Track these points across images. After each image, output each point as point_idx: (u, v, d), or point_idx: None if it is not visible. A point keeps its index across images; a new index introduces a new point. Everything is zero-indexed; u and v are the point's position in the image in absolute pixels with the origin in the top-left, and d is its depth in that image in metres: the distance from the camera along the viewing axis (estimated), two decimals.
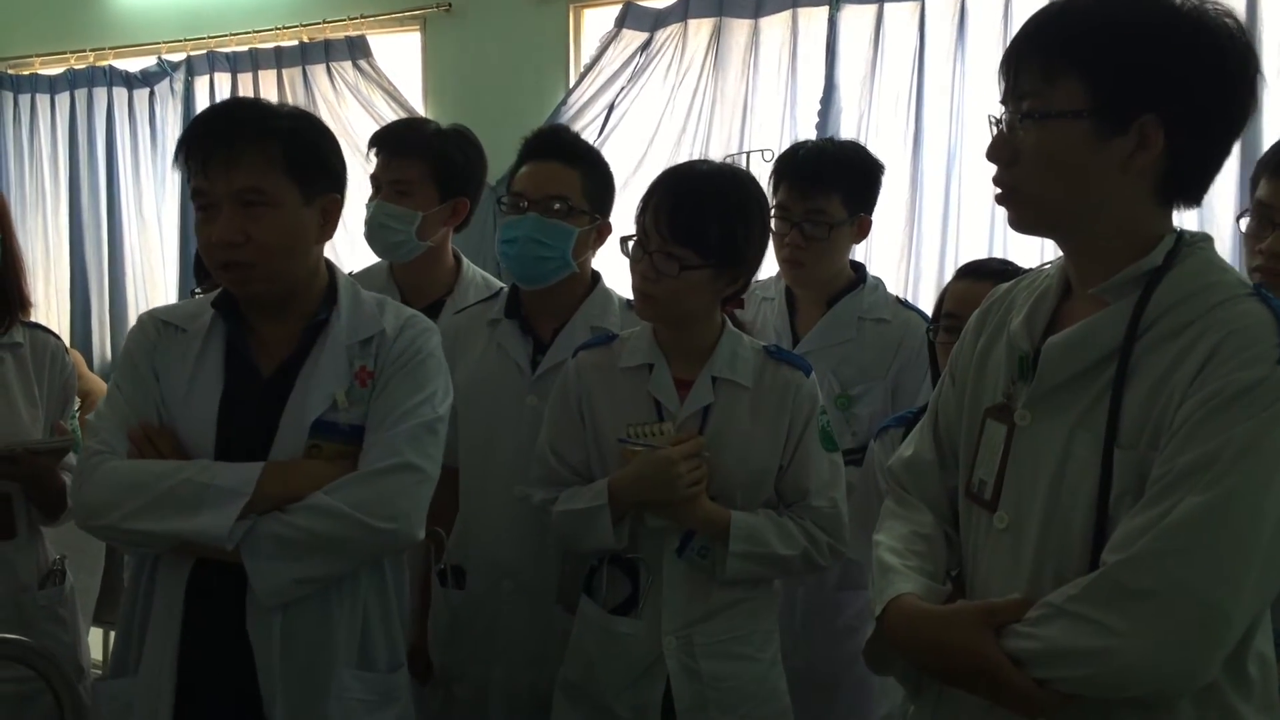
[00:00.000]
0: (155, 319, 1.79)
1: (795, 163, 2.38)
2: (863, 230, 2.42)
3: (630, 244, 1.86)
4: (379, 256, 2.57)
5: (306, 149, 1.71)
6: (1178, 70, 1.21)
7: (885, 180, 3.65)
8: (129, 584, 1.78)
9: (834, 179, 2.33)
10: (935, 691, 1.39)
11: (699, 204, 1.81)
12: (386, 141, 2.51)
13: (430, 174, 2.44)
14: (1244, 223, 1.94)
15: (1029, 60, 1.27)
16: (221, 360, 1.73)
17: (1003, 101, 1.31)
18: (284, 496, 1.63)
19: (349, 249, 4.49)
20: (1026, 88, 1.27)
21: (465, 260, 2.61)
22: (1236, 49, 1.23)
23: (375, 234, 2.48)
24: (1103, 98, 1.22)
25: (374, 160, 2.54)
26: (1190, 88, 1.21)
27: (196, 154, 1.66)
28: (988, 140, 1.33)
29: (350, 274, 2.63)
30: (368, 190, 2.54)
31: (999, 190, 1.32)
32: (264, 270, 1.68)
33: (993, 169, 1.33)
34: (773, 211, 2.36)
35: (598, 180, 2.21)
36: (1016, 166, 1.29)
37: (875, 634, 1.40)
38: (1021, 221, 1.33)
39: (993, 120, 1.32)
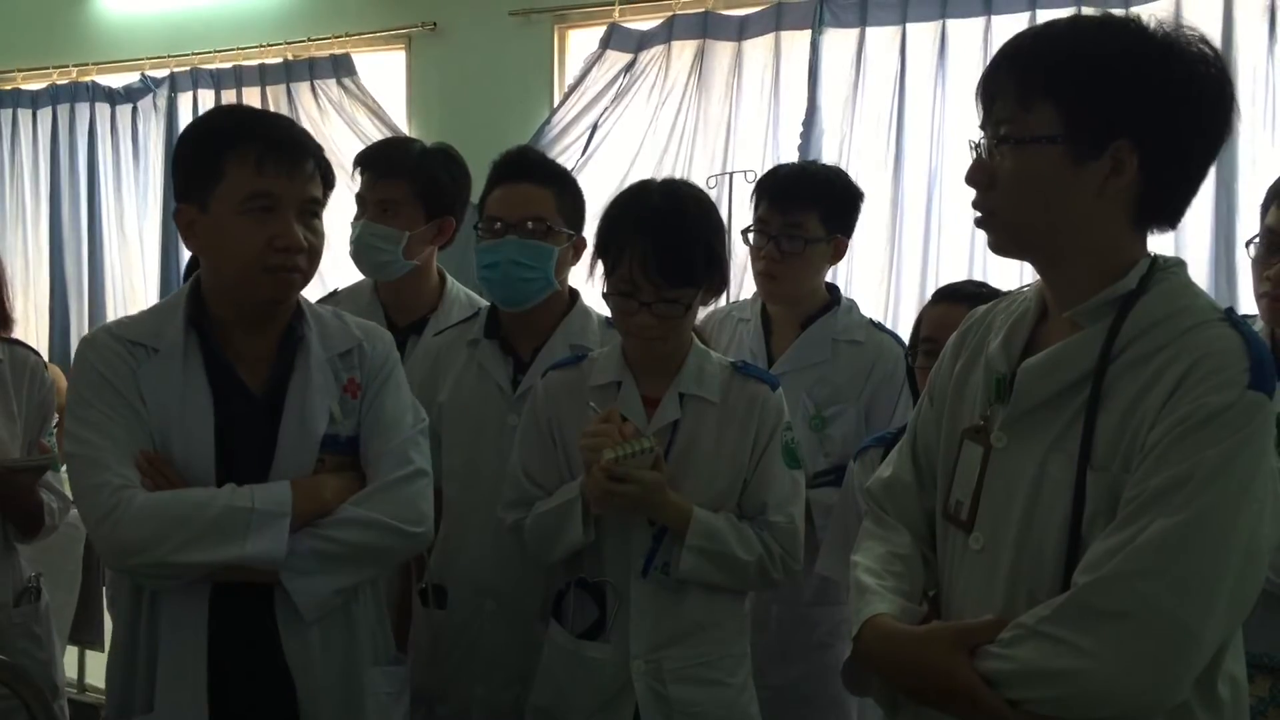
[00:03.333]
0: (118, 338, 1.70)
1: (776, 180, 2.41)
2: (839, 252, 2.43)
3: (615, 298, 1.85)
4: (365, 275, 2.57)
5: (329, 169, 1.76)
6: (1151, 97, 1.22)
7: (866, 202, 3.68)
8: (124, 619, 1.70)
9: (813, 196, 2.36)
10: (912, 711, 1.39)
11: (681, 242, 1.81)
12: (372, 161, 2.51)
13: (416, 193, 2.45)
14: (1252, 249, 1.96)
15: (1004, 86, 1.29)
16: (206, 380, 1.70)
17: (981, 126, 1.33)
18: (314, 512, 1.65)
19: (330, 265, 4.47)
20: (1002, 113, 1.28)
21: (450, 278, 2.61)
22: (1211, 76, 1.24)
23: (362, 254, 2.48)
24: (1077, 123, 1.24)
25: (358, 180, 2.54)
26: (1163, 114, 1.23)
27: (281, 155, 1.65)
28: (968, 164, 1.34)
29: (335, 291, 2.65)
30: (347, 208, 2.55)
31: (978, 214, 1.34)
32: (306, 279, 1.71)
33: (973, 192, 1.35)
34: (751, 226, 2.40)
35: (570, 197, 2.22)
36: (994, 191, 1.30)
37: (852, 655, 1.41)
38: (1000, 245, 1.35)
39: (972, 144, 1.34)
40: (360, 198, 2.52)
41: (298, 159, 1.66)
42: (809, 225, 2.35)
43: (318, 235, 1.71)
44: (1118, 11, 1.33)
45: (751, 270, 2.43)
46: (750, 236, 2.40)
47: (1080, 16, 1.31)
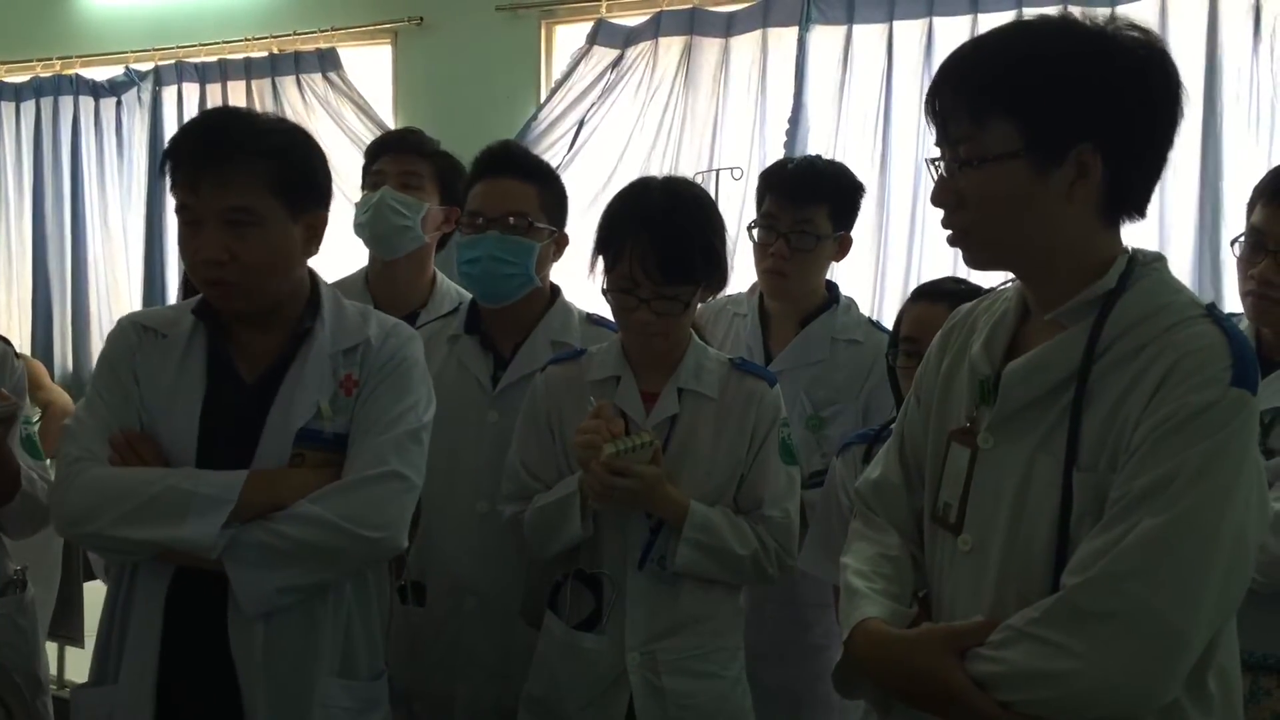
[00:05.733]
0: (135, 323, 1.77)
1: (785, 175, 2.37)
2: (843, 249, 2.41)
3: (615, 294, 1.86)
4: (371, 248, 2.58)
5: (296, 167, 1.71)
6: (1103, 95, 1.22)
7: None
8: (109, 592, 1.76)
9: (824, 192, 2.33)
10: (903, 714, 1.38)
11: (681, 239, 1.82)
12: (398, 142, 2.61)
13: (436, 174, 2.54)
14: (1237, 247, 1.97)
15: (954, 104, 1.27)
16: (204, 367, 1.72)
17: (937, 144, 1.31)
18: (268, 505, 1.62)
19: (316, 259, 4.45)
20: (958, 133, 1.27)
21: (440, 275, 2.61)
22: (1154, 60, 1.24)
23: (379, 219, 2.49)
24: (1035, 135, 1.23)
25: (357, 170, 2.63)
26: (1118, 109, 1.22)
27: (185, 169, 1.65)
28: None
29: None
30: (340, 202, 2.56)
31: (950, 232, 1.33)
32: (247, 288, 1.68)
33: None
34: (757, 221, 2.37)
35: (553, 194, 2.22)
36: (963, 210, 1.30)
37: (843, 658, 1.40)
38: (977, 260, 1.35)
39: (929, 163, 1.33)
40: (379, 173, 2.56)
41: (205, 171, 1.63)
42: (820, 222, 2.32)
43: (248, 244, 1.65)
44: (1055, 9, 1.32)
45: (756, 267, 2.40)
46: (755, 232, 2.37)
47: (1018, 22, 1.30)
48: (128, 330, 1.76)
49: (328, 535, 1.62)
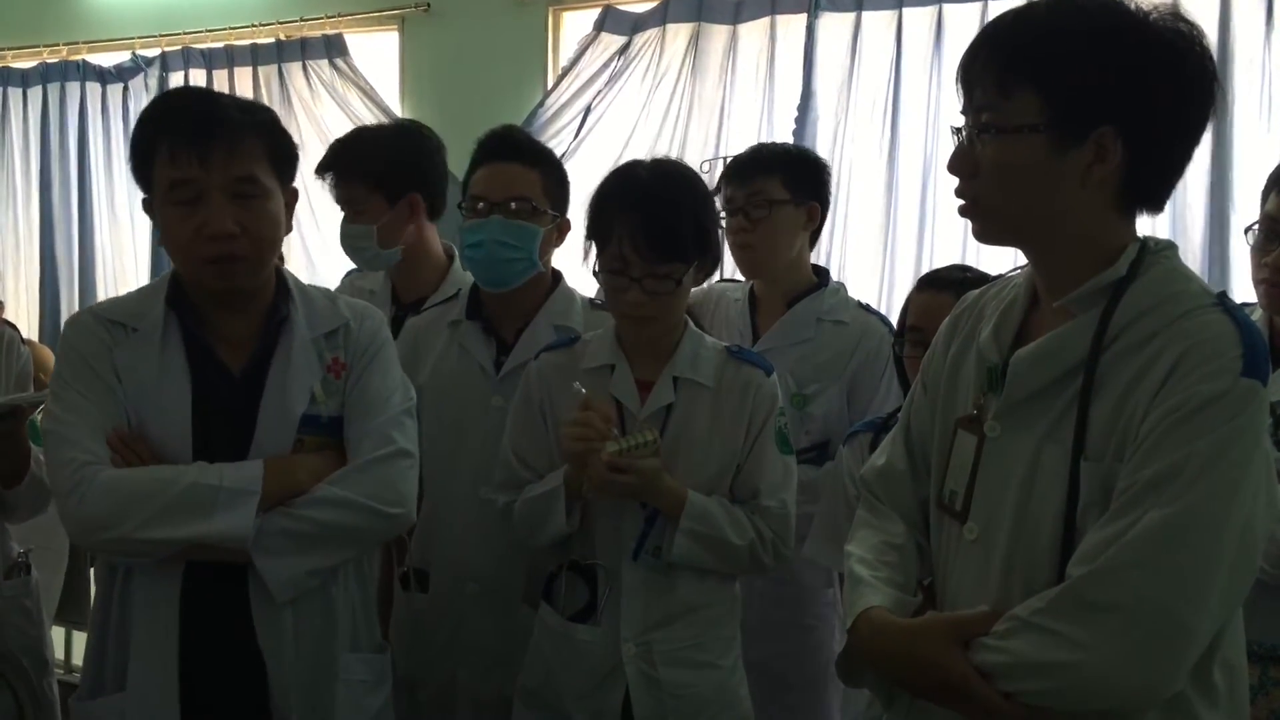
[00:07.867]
0: (99, 318, 1.71)
1: (735, 161, 2.48)
2: (812, 218, 2.44)
3: (606, 275, 1.84)
4: (363, 270, 2.65)
5: (283, 141, 1.72)
6: (1133, 81, 1.20)
7: (861, 188, 3.65)
8: (98, 596, 1.72)
9: (770, 162, 2.41)
10: (906, 702, 1.38)
11: (670, 216, 1.80)
12: (327, 165, 2.55)
13: (372, 186, 2.47)
14: (1250, 236, 1.96)
15: (984, 72, 1.27)
16: (185, 359, 1.69)
17: (963, 112, 1.31)
18: (286, 492, 1.64)
19: (322, 253, 4.49)
20: (983, 100, 1.27)
21: (458, 257, 2.61)
22: (1193, 54, 1.23)
23: (350, 254, 2.55)
24: (1058, 111, 1.22)
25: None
26: (1146, 98, 1.21)
27: (192, 141, 1.61)
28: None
29: (349, 273, 2.71)
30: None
31: (962, 202, 1.32)
32: (253, 263, 1.67)
33: None
34: (723, 209, 2.39)
35: (555, 178, 2.22)
36: (977, 179, 1.29)
37: (846, 647, 1.40)
38: (985, 233, 1.34)
39: (954, 130, 1.32)
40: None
41: (211, 142, 1.61)
42: (771, 190, 2.38)
43: (257, 215, 1.64)
44: None
45: (730, 252, 2.44)
46: (724, 220, 2.39)
47: None
48: (93, 326, 1.70)
49: (353, 516, 1.65)
